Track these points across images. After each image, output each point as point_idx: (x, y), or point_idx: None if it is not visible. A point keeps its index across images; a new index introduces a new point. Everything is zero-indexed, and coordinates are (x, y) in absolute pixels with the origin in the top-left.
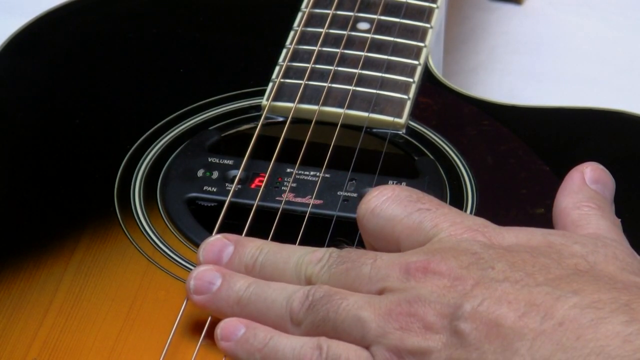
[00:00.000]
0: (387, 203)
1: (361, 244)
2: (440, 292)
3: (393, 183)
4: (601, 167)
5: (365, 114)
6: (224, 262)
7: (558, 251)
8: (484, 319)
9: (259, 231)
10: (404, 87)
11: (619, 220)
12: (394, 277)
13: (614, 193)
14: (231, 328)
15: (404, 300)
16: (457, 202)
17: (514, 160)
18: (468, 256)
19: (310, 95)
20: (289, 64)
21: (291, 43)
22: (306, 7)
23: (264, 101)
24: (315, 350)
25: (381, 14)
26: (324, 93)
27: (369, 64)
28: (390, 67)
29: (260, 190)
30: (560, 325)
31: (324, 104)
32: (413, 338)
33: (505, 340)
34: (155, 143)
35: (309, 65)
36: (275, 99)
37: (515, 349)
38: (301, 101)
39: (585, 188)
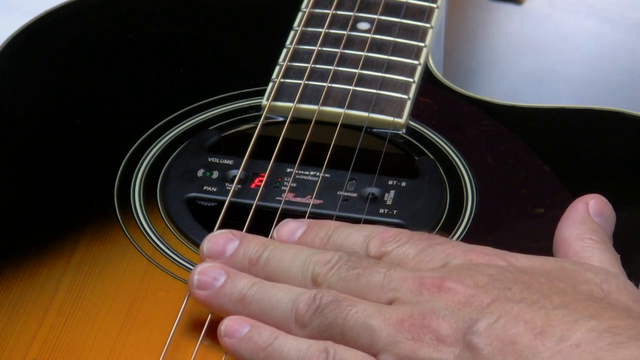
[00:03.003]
0: (399, 244)
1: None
2: (455, 307)
3: (393, 183)
4: (605, 200)
5: (365, 114)
6: (228, 255)
7: (572, 277)
8: (499, 336)
9: (258, 231)
10: (404, 87)
11: (619, 255)
12: (407, 288)
13: (613, 228)
14: (235, 325)
15: (417, 313)
16: (457, 202)
17: (514, 160)
18: (485, 277)
19: (310, 95)
20: (289, 64)
21: (291, 43)
22: (306, 7)
23: (264, 101)
24: (322, 354)
25: (381, 14)
26: (324, 93)
27: (369, 63)
28: (390, 67)
29: (260, 190)
30: (577, 347)
31: (324, 103)
32: (425, 349)
33: (520, 357)
34: (155, 143)
35: (309, 65)
36: (275, 98)
37: None
38: (301, 101)
39: (589, 220)
